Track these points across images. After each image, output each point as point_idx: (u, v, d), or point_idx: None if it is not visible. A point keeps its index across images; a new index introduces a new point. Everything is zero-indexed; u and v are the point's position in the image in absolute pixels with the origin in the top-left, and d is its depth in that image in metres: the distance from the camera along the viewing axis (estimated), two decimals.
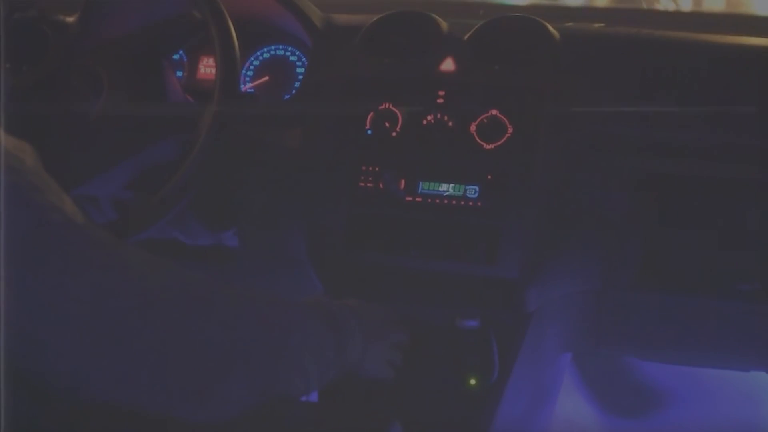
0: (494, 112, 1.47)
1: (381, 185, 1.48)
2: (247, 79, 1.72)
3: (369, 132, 1.52)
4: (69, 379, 0.81)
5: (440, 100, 1.50)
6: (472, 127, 1.47)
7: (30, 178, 0.76)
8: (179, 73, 1.75)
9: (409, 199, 1.48)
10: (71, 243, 0.77)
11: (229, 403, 0.91)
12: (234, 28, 1.44)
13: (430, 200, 1.47)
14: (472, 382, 1.41)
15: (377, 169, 1.49)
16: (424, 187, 1.48)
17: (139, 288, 0.82)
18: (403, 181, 1.48)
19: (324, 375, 1.06)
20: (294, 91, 1.69)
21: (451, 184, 1.47)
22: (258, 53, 1.73)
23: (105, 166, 1.48)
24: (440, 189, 1.47)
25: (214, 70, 1.60)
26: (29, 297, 0.75)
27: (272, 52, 1.73)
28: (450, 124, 1.49)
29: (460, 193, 1.46)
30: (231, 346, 0.91)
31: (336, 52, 1.61)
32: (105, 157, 1.48)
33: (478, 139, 1.47)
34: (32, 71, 1.51)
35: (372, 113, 1.52)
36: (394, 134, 1.51)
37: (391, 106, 1.52)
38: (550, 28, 1.53)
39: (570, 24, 1.66)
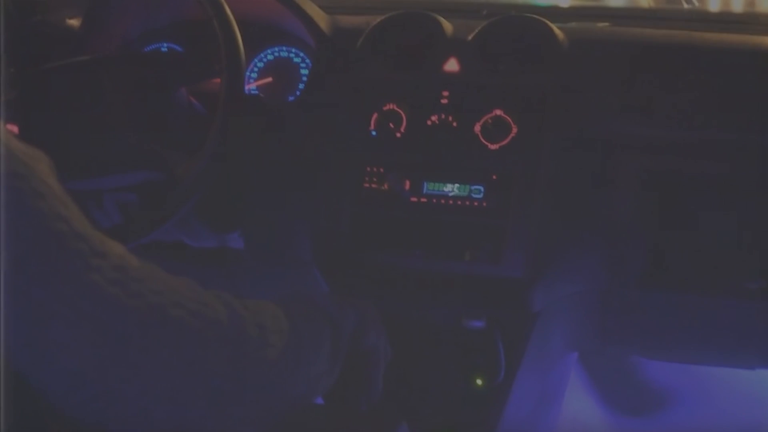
0: (499, 112, 1.47)
1: (386, 186, 1.48)
2: (251, 80, 1.72)
3: (373, 133, 1.52)
4: (69, 388, 0.80)
5: (444, 101, 1.50)
6: (477, 128, 1.47)
7: (35, 184, 0.76)
8: None
9: (414, 199, 1.48)
10: (73, 253, 0.77)
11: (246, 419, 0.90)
12: (238, 30, 1.45)
13: (435, 200, 1.47)
14: (479, 382, 1.41)
15: (382, 169, 1.49)
16: (429, 187, 1.48)
17: (143, 303, 0.80)
18: (408, 182, 1.48)
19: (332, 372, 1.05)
20: (298, 93, 1.69)
21: (456, 185, 1.47)
22: (262, 55, 1.73)
23: (107, 169, 1.48)
24: (445, 189, 1.47)
25: None
26: (30, 305, 0.75)
27: (276, 54, 1.73)
28: (454, 124, 1.49)
29: (465, 194, 1.46)
30: (243, 358, 0.89)
31: (340, 54, 1.61)
32: (107, 160, 1.48)
33: (482, 140, 1.47)
34: (35, 73, 1.51)
35: (376, 114, 1.52)
36: (398, 135, 1.51)
37: (395, 107, 1.52)
38: (555, 27, 1.52)
39: (574, 24, 1.66)
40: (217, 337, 0.85)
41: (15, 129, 1.49)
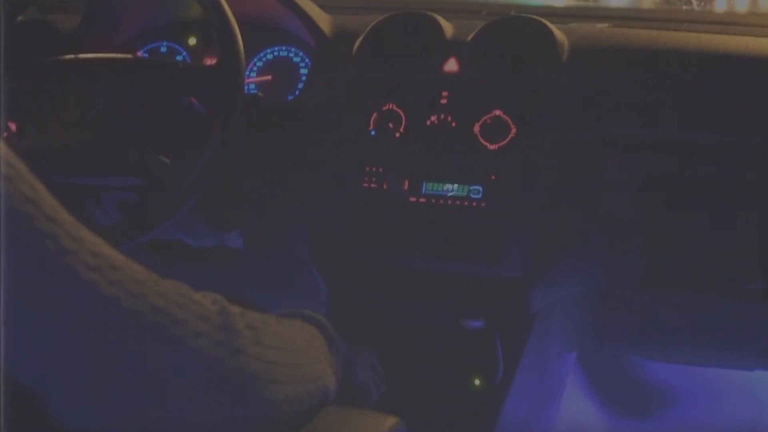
0: (498, 112, 1.47)
1: (385, 186, 1.48)
2: (251, 81, 1.72)
3: (372, 133, 1.52)
4: (47, 379, 0.78)
5: (444, 101, 1.51)
6: (476, 128, 1.48)
7: (24, 188, 0.75)
8: None
9: (413, 199, 1.48)
10: (67, 253, 0.76)
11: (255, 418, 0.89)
12: (238, 29, 1.45)
13: (434, 200, 1.47)
14: (477, 382, 1.41)
15: (381, 169, 1.50)
16: (428, 187, 1.48)
17: (124, 292, 0.78)
18: (406, 182, 1.48)
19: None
20: (297, 92, 1.69)
21: (455, 185, 1.47)
22: (261, 54, 1.73)
23: (104, 170, 1.48)
24: (444, 189, 1.47)
25: None
26: (23, 308, 0.74)
27: (275, 53, 1.73)
28: (454, 124, 1.49)
29: (464, 194, 1.46)
30: (264, 367, 0.88)
31: (340, 53, 1.61)
32: (105, 160, 1.48)
33: (481, 140, 1.47)
34: (35, 72, 1.51)
35: (375, 114, 1.52)
36: (397, 135, 1.51)
37: (394, 107, 1.52)
38: (554, 28, 1.53)
39: (574, 24, 1.66)
40: (203, 331, 0.83)
41: (12, 126, 1.49)
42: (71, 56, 1.54)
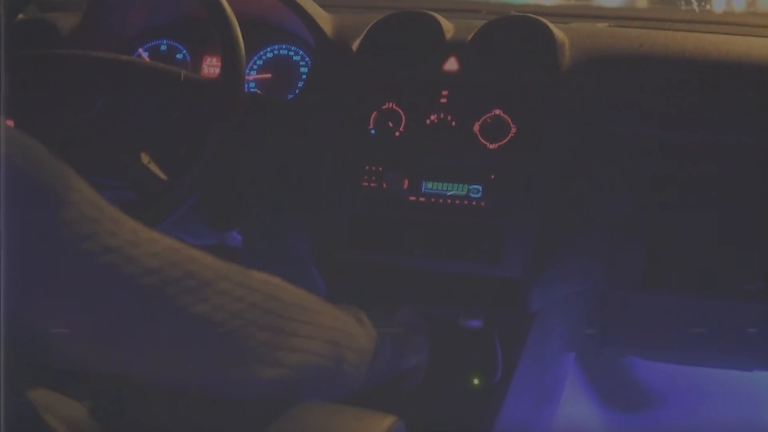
0: (498, 111, 1.47)
1: (384, 185, 1.48)
2: (251, 79, 1.72)
3: (372, 132, 1.52)
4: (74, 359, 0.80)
5: (444, 100, 1.51)
6: (476, 127, 1.48)
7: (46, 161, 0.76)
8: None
9: (413, 198, 1.48)
10: (84, 221, 0.77)
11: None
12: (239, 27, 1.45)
13: (433, 200, 1.47)
14: (476, 381, 1.41)
15: (380, 168, 1.50)
16: (428, 186, 1.48)
17: (140, 269, 0.80)
18: (406, 181, 1.48)
19: (356, 375, 1.06)
20: (297, 91, 1.69)
21: (455, 184, 1.47)
22: (261, 53, 1.73)
23: (105, 168, 1.48)
24: (444, 189, 1.47)
25: (217, 70, 1.61)
26: (24, 279, 0.74)
27: (275, 52, 1.73)
28: (453, 123, 1.49)
29: (464, 193, 1.46)
30: (273, 320, 0.90)
31: (340, 52, 1.61)
32: (105, 158, 1.48)
33: (481, 139, 1.47)
34: (35, 73, 1.51)
35: (375, 113, 1.52)
36: (397, 134, 1.51)
37: (394, 106, 1.52)
38: (554, 27, 1.53)
39: (574, 24, 1.66)
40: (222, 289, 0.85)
41: (11, 122, 1.49)
42: (73, 51, 1.54)
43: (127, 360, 0.81)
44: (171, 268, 0.82)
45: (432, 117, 1.50)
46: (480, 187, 1.45)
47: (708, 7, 1.96)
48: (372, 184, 1.50)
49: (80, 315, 0.77)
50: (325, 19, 1.66)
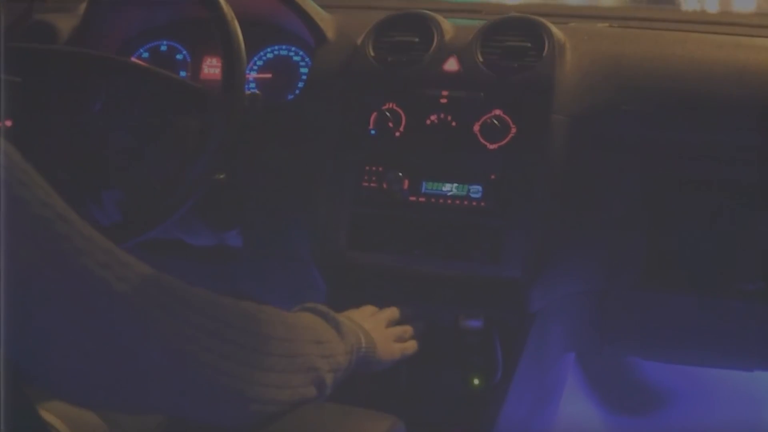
0: (498, 112, 1.47)
1: (384, 185, 1.48)
2: (251, 79, 1.72)
3: (372, 132, 1.52)
4: (63, 380, 0.80)
5: (444, 100, 1.50)
6: (476, 127, 1.48)
7: (19, 174, 0.76)
8: (182, 74, 1.75)
9: (413, 198, 1.48)
10: (62, 237, 0.77)
11: (248, 411, 0.91)
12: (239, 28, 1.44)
13: (433, 200, 1.47)
14: (476, 382, 1.41)
15: (381, 168, 1.50)
16: (428, 187, 1.48)
17: (132, 292, 0.80)
18: (406, 181, 1.48)
19: (337, 380, 1.06)
20: (297, 92, 1.69)
21: (455, 184, 1.47)
22: (261, 53, 1.73)
23: (106, 168, 1.48)
24: (444, 189, 1.47)
25: (217, 71, 1.61)
26: (21, 292, 0.75)
27: (276, 52, 1.73)
28: (454, 124, 1.49)
29: (464, 193, 1.46)
30: (248, 356, 0.90)
31: (340, 53, 1.61)
32: (107, 159, 1.48)
33: (481, 139, 1.47)
34: (34, 73, 1.51)
35: (375, 113, 1.52)
36: (397, 134, 1.51)
37: (394, 106, 1.52)
38: (554, 28, 1.53)
39: (574, 24, 1.66)
40: (212, 317, 0.86)
41: (8, 122, 1.49)
42: (72, 49, 1.54)
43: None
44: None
45: (432, 117, 1.50)
46: (480, 188, 1.45)
47: (708, 7, 1.96)
48: (372, 185, 1.50)
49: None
50: (325, 19, 1.66)
